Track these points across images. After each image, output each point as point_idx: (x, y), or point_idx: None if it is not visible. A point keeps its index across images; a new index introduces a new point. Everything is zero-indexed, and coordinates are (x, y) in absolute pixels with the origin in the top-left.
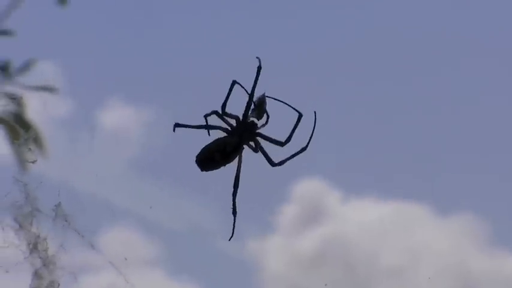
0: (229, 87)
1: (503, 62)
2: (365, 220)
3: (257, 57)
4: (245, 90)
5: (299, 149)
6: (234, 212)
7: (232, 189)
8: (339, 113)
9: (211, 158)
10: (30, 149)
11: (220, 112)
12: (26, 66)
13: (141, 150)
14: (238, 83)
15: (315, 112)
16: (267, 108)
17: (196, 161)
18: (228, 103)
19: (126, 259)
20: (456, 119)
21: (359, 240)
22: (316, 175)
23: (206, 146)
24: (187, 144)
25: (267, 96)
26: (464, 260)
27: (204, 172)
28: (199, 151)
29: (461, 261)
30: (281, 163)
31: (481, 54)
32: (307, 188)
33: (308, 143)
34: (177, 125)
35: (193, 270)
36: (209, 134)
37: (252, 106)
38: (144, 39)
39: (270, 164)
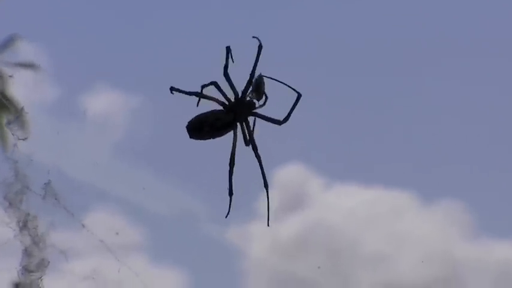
0: (225, 55)
1: (480, 57)
2: (348, 206)
3: (255, 37)
4: (232, 59)
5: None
6: (230, 193)
7: (228, 168)
8: (324, 101)
9: (200, 128)
10: (14, 127)
11: (224, 77)
12: (8, 42)
13: (127, 135)
14: (230, 50)
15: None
16: (266, 90)
17: (187, 126)
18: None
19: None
20: (442, 107)
21: (342, 227)
22: (299, 161)
23: (201, 114)
24: (173, 129)
25: (265, 76)
26: (449, 247)
27: (192, 140)
28: (193, 118)
29: (446, 249)
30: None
31: (461, 53)
32: (290, 174)
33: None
34: (172, 89)
35: (177, 255)
36: (197, 106)
37: (251, 87)
38: (133, 24)
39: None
